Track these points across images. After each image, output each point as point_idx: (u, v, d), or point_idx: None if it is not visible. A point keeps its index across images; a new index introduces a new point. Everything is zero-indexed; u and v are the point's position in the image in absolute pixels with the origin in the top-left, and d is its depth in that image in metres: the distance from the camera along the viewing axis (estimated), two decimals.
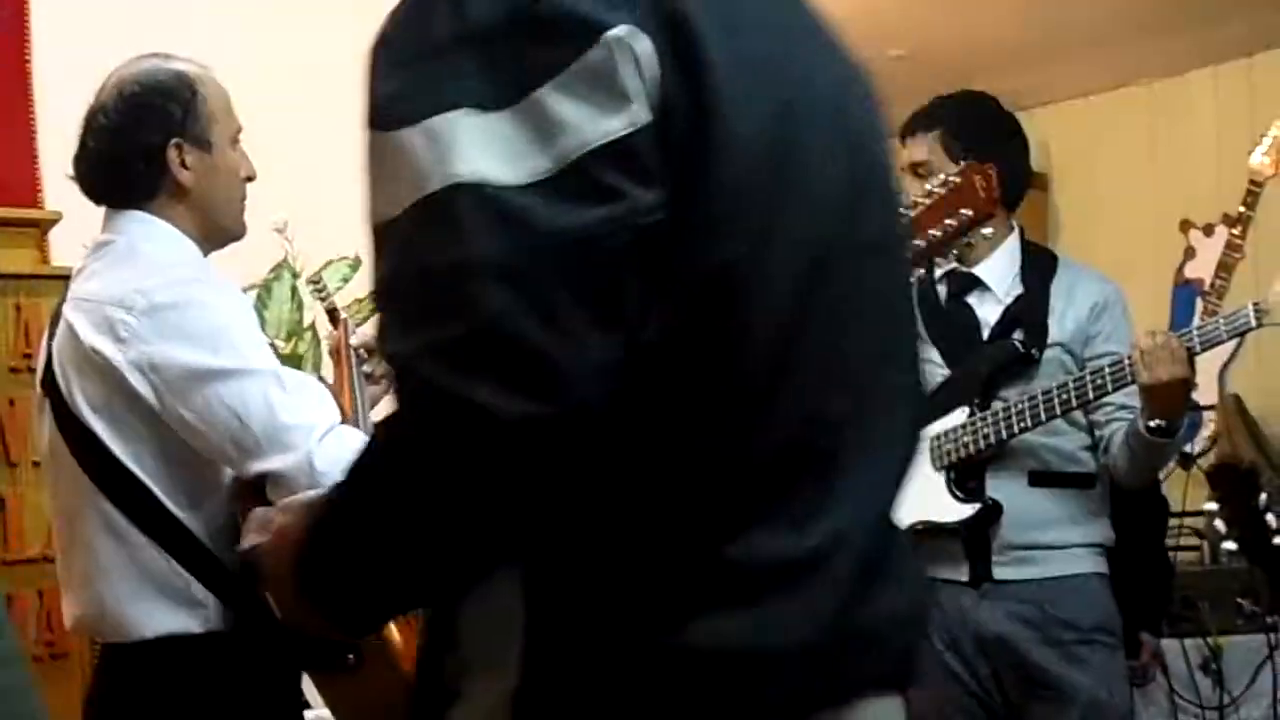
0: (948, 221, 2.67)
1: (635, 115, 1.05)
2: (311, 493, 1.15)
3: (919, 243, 2.68)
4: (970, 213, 2.67)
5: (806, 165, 1.16)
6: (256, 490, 2.29)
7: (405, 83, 1.09)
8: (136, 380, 2.22)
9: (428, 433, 1.05)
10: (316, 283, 3.10)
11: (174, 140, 2.36)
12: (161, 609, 2.25)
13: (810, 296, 1.14)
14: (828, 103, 1.21)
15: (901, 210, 1.29)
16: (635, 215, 1.05)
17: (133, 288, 2.26)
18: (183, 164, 2.37)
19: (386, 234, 1.09)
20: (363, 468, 1.13)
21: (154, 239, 2.37)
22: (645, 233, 1.05)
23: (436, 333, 1.04)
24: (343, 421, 2.47)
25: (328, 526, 1.14)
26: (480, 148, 1.03)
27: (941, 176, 2.74)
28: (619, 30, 1.05)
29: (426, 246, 1.05)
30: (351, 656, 2.32)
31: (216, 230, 2.43)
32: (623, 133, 1.05)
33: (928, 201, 2.69)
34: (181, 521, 2.24)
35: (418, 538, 1.08)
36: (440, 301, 1.04)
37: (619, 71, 1.05)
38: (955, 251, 2.74)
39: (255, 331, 2.34)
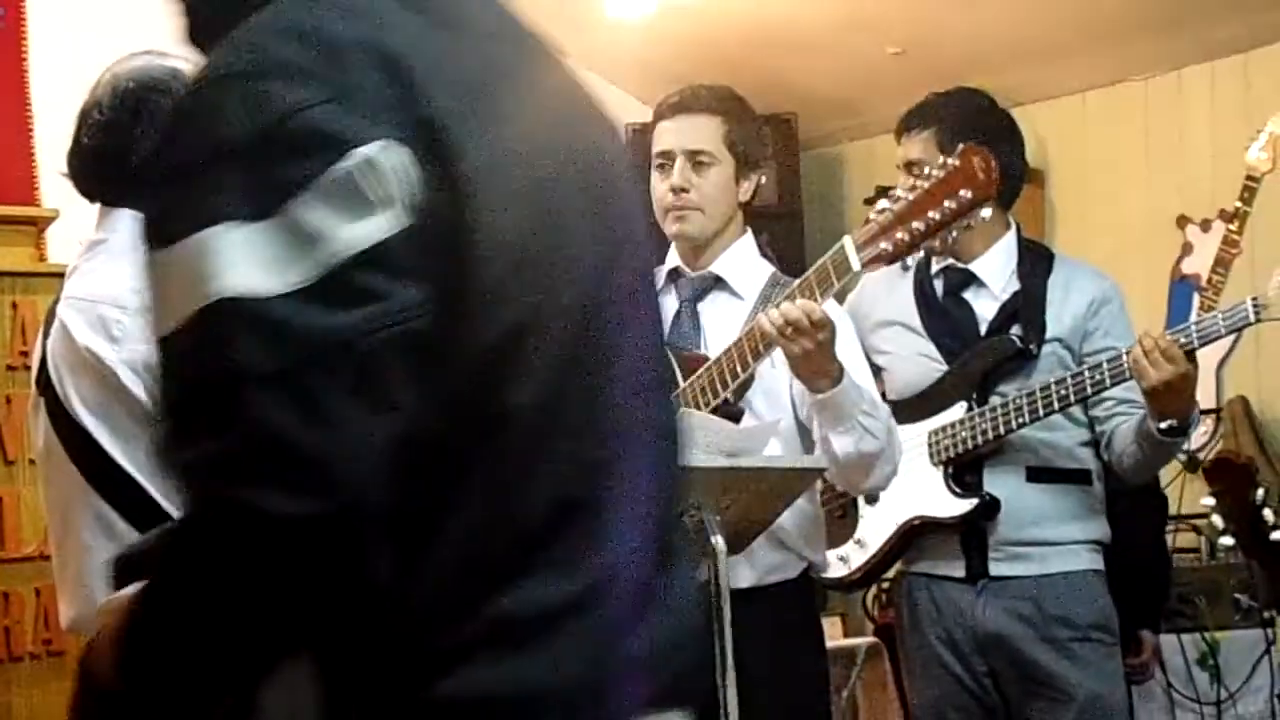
0: (947, 204, 2.66)
1: (389, 221, 1.12)
2: (127, 592, 1.21)
3: (918, 225, 2.66)
4: (970, 194, 2.66)
5: (566, 236, 1.25)
6: None
7: (170, 200, 1.15)
8: (129, 379, 2.22)
9: (216, 539, 1.11)
10: None
11: None
12: None
13: (575, 357, 1.24)
14: (583, 166, 1.31)
15: (649, 250, 1.42)
16: (398, 312, 1.12)
17: (126, 286, 2.25)
18: None
19: (166, 348, 1.16)
20: (163, 575, 1.19)
21: None
22: (411, 326, 1.12)
23: (215, 443, 1.10)
24: None
25: (137, 630, 1.20)
26: (241, 261, 1.09)
27: (941, 160, 2.73)
28: (368, 147, 1.12)
29: (199, 360, 1.12)
30: None
31: None
32: (378, 238, 1.11)
33: (926, 185, 2.68)
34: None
35: (215, 638, 1.14)
36: (216, 413, 1.10)
37: (369, 182, 1.11)
38: (954, 234, 2.72)
39: None
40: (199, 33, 1.28)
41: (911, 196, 2.67)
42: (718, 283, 3.08)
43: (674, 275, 3.13)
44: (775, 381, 2.98)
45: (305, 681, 1.17)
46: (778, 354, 2.83)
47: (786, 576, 2.96)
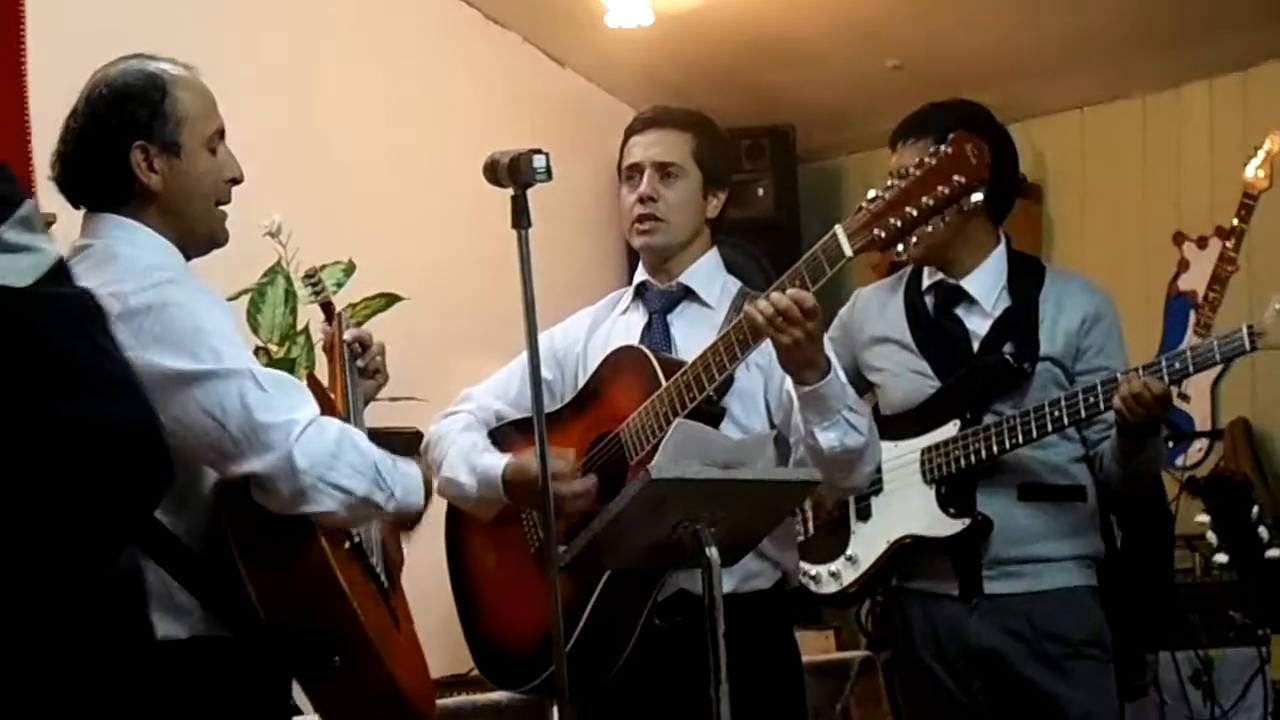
0: (940, 189, 2.65)
1: (55, 246, 1.50)
2: None
3: (910, 210, 2.66)
4: (963, 179, 2.66)
5: None
6: (242, 493, 2.28)
7: None
8: None
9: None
10: (312, 277, 3.06)
11: (138, 144, 2.36)
12: None
13: None
14: None
15: None
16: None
17: (108, 292, 2.24)
18: (150, 168, 2.36)
19: None
20: None
21: (133, 243, 2.36)
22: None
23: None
24: (335, 417, 2.45)
25: None
26: None
27: (933, 147, 2.73)
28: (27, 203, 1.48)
29: None
30: (338, 659, 2.31)
31: (189, 235, 2.42)
32: (58, 255, 1.50)
33: (919, 173, 2.67)
34: (165, 526, 2.23)
35: None
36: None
37: (37, 222, 1.48)
38: (946, 219, 2.71)
39: (231, 331, 2.33)
40: None
41: (904, 184, 2.67)
42: (687, 294, 3.10)
43: (641, 290, 3.15)
44: (751, 385, 2.98)
45: None
46: (753, 358, 2.84)
47: (763, 585, 2.97)
